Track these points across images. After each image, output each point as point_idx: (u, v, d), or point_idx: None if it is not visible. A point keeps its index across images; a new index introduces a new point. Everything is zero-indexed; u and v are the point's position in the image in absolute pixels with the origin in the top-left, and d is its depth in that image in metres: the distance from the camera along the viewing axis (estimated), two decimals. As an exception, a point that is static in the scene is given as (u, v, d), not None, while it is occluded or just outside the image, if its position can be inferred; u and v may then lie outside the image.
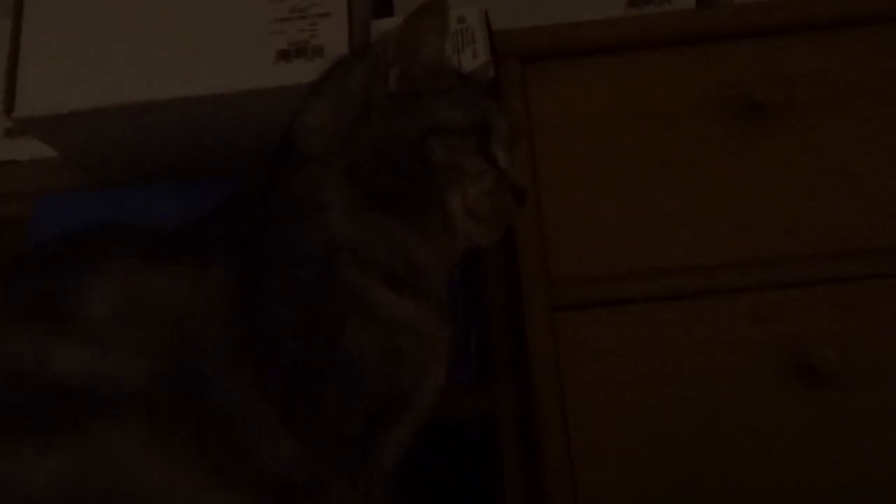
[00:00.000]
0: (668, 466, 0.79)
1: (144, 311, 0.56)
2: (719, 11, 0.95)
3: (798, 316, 0.81)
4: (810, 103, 0.86)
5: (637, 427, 0.79)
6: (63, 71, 0.83)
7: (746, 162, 0.85)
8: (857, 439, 0.78)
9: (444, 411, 0.67)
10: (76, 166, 0.93)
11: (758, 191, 0.84)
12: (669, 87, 0.88)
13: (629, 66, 0.90)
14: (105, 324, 0.55)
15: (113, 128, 0.84)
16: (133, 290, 0.57)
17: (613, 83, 0.89)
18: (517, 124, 0.71)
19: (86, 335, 0.54)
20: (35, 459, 0.50)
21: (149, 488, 0.52)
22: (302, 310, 0.59)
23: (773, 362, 0.80)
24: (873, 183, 0.84)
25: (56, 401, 0.52)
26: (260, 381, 0.56)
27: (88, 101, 0.81)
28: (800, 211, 0.83)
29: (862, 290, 0.81)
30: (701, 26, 0.91)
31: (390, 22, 0.86)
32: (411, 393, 0.62)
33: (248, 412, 0.55)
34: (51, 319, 0.55)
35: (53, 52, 0.83)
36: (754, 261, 0.83)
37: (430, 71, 0.66)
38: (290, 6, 0.82)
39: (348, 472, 0.59)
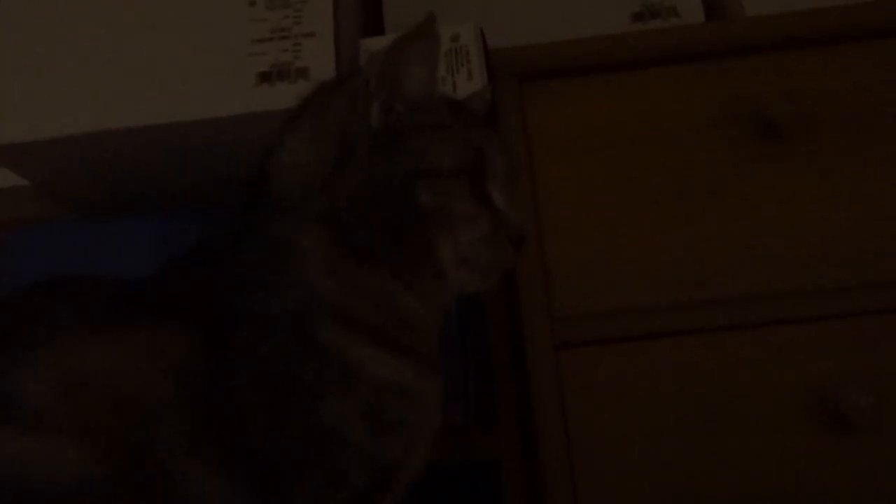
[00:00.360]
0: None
1: (91, 389, 0.50)
2: (729, 25, 0.90)
3: (820, 353, 0.74)
4: (828, 122, 0.81)
5: (647, 471, 0.74)
6: (33, 98, 0.78)
7: (761, 186, 0.80)
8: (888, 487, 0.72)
9: (442, 455, 0.61)
10: (48, 196, 0.88)
11: (774, 217, 0.79)
12: (678, 106, 0.83)
13: (635, 84, 0.84)
14: (45, 407, 0.49)
15: (86, 156, 0.79)
16: (78, 366, 0.51)
17: (618, 103, 0.84)
18: (516, 159, 0.66)
19: (23, 421, 0.48)
20: None
21: None
22: (275, 378, 0.53)
23: (793, 403, 0.74)
24: (897, 207, 0.78)
25: None
26: (227, 463, 0.51)
27: (60, 129, 0.76)
28: (820, 238, 0.78)
29: (890, 325, 0.75)
30: (710, 41, 0.85)
31: (380, 41, 0.81)
32: (401, 461, 0.56)
33: (214, 500, 0.50)
34: None
35: (23, 79, 0.79)
36: (771, 293, 0.77)
37: (418, 104, 0.60)
38: (272, 26, 0.77)
39: None
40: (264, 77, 0.76)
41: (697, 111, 0.82)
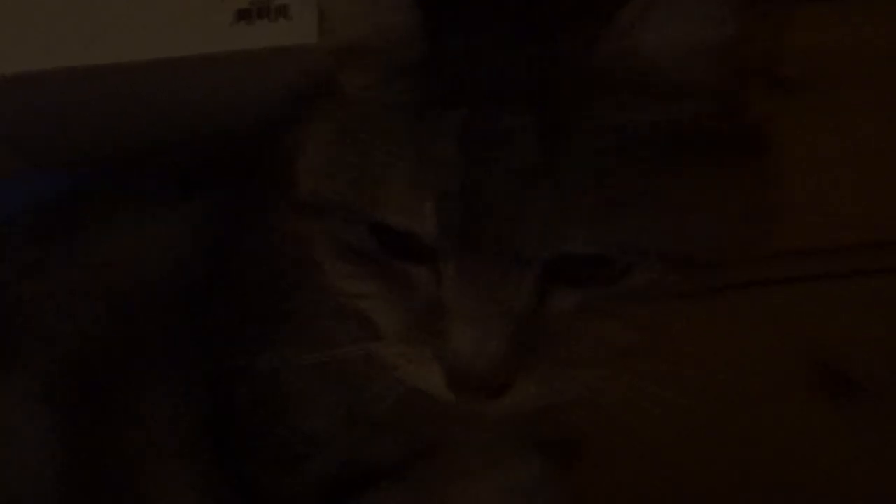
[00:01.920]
0: (671, 479, 0.71)
1: (102, 278, 0.47)
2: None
3: (821, 313, 0.72)
4: (835, 79, 0.77)
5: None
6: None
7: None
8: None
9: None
10: (5, 148, 0.81)
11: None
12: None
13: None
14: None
15: (44, 101, 0.73)
16: (108, 249, 0.48)
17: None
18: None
19: None
20: None
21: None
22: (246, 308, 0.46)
23: (797, 368, 0.72)
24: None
25: None
26: (195, 393, 0.45)
27: (13, 66, 0.69)
28: (825, 197, 0.75)
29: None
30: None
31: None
32: (403, 462, 0.48)
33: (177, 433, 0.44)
34: None
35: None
36: (770, 251, 0.73)
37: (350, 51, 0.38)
38: (251, -40, 0.72)
39: None
40: (242, 14, 0.70)
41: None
